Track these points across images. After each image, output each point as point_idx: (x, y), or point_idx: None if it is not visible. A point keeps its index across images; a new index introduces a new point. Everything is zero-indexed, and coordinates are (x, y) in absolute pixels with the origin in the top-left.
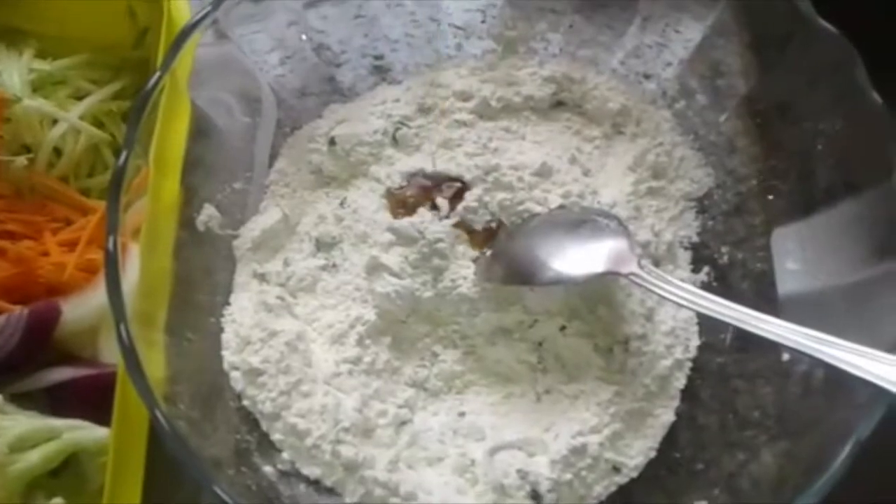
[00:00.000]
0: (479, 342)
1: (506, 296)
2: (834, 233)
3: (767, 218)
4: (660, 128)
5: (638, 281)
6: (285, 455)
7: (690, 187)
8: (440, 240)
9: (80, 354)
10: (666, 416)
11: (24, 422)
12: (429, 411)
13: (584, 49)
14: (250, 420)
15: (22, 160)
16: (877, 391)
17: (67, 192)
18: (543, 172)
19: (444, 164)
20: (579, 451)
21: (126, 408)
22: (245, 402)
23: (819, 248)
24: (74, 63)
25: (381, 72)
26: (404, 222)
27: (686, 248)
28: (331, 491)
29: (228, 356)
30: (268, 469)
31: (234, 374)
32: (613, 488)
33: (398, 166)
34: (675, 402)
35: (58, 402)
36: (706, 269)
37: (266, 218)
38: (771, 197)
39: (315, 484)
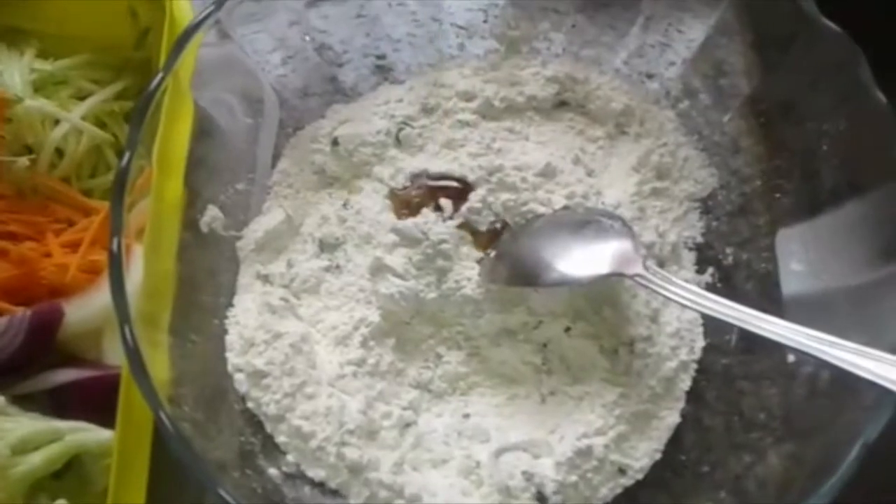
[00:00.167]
0: (484, 343)
1: (510, 297)
2: (839, 233)
3: (772, 218)
4: (663, 128)
5: (643, 282)
6: (290, 457)
7: (694, 188)
8: (444, 241)
9: (84, 356)
10: (671, 417)
11: (27, 424)
12: (433, 413)
13: (587, 49)
14: (254, 422)
15: (24, 161)
16: (883, 393)
17: (70, 193)
18: (547, 173)
19: (448, 164)
20: (585, 452)
21: (130, 410)
22: (249, 404)
23: (824, 248)
24: (76, 63)
25: (384, 71)
26: (408, 223)
27: (690, 249)
28: (335, 493)
29: (232, 358)
30: (272, 471)
31: (238, 376)
32: (619, 490)
33: (401, 167)
34: (681, 404)
35: (61, 403)
36: (710, 269)
37: (269, 219)
38: (775, 197)
39: (320, 486)
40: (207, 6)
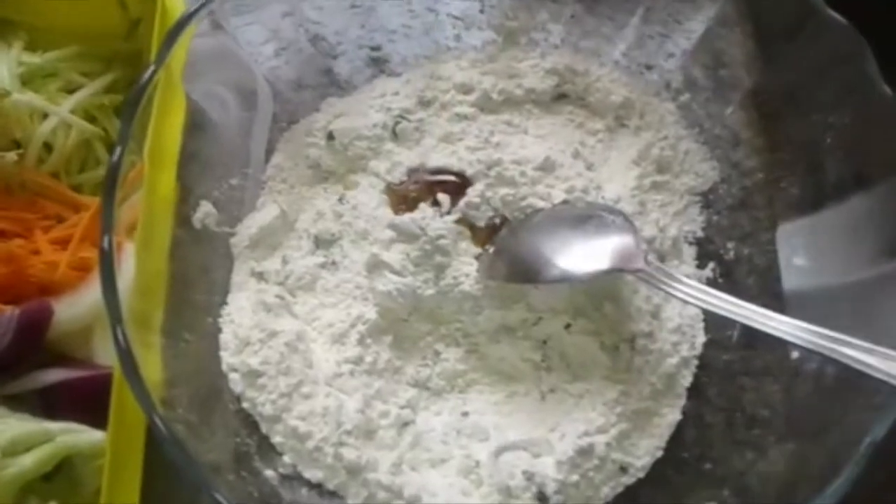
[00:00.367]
0: (482, 340)
1: (509, 293)
2: (843, 228)
3: (774, 213)
4: (664, 121)
5: (645, 278)
6: (286, 458)
7: (695, 181)
8: (442, 236)
9: (74, 355)
10: (672, 415)
11: (16, 425)
12: (431, 411)
13: (585, 40)
14: (250, 423)
15: (12, 156)
16: (891, 391)
17: (59, 189)
18: (546, 167)
19: (446, 158)
20: (586, 451)
21: (122, 411)
22: (244, 405)
23: (827, 243)
24: (65, 55)
25: (379, 63)
26: (405, 219)
27: (691, 244)
28: (333, 494)
29: (227, 357)
30: (269, 473)
31: (233, 376)
32: (620, 489)
33: (398, 161)
34: (682, 401)
35: (50, 404)
36: (711, 264)
37: (263, 215)
38: (778, 191)
39: (317, 487)
40: None
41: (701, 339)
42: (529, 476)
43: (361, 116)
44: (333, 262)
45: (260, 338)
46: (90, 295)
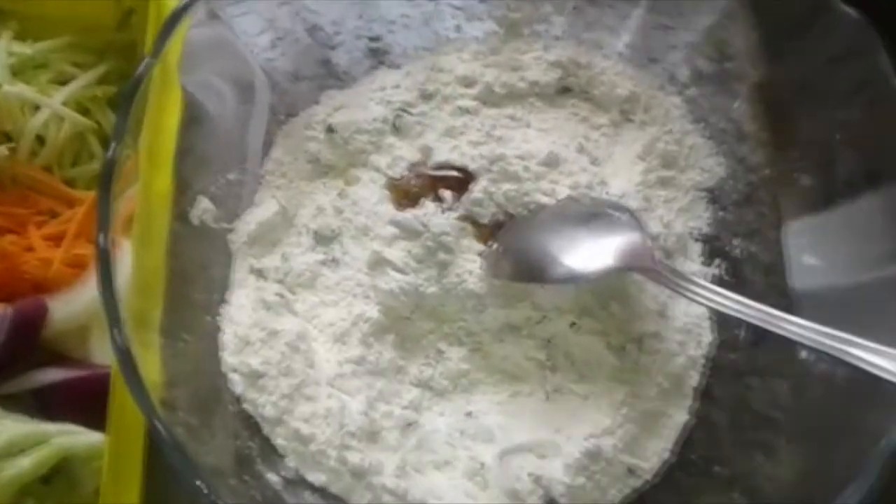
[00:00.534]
0: (486, 339)
1: (514, 291)
2: (854, 227)
3: (782, 210)
4: (669, 115)
5: (654, 277)
6: (289, 462)
7: (701, 177)
8: (445, 233)
9: (70, 354)
10: (680, 415)
11: (12, 426)
12: (435, 411)
13: (588, 32)
14: (251, 425)
15: (3, 149)
16: None
17: (52, 183)
18: (551, 162)
19: (448, 153)
20: (593, 453)
21: (122, 413)
22: (245, 406)
23: (838, 242)
24: (57, 46)
25: (379, 55)
26: (408, 215)
27: (697, 240)
28: (337, 498)
29: (227, 357)
30: (271, 477)
31: (234, 377)
32: (628, 491)
33: (400, 155)
34: (689, 401)
35: (46, 404)
36: (717, 261)
37: (262, 210)
38: (786, 188)
39: (321, 491)
40: None
41: (708, 338)
42: (536, 479)
43: (362, 109)
44: (334, 259)
45: (260, 337)
46: (86, 292)
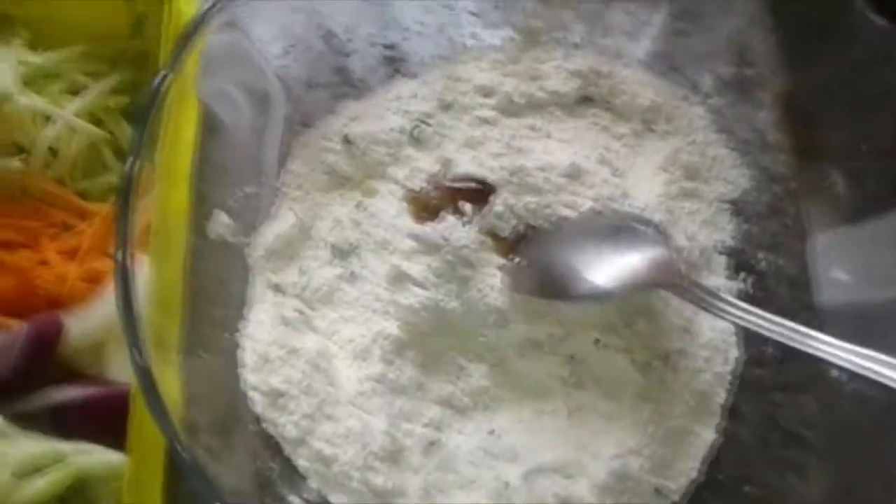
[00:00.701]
0: (508, 355)
1: (536, 307)
2: (883, 240)
3: (808, 222)
4: (692, 125)
5: (680, 293)
6: (311, 483)
7: (725, 188)
8: (466, 247)
9: (86, 371)
10: (707, 434)
11: (28, 445)
12: (456, 429)
13: (608, 39)
14: (271, 444)
15: (15, 162)
16: None
17: (64, 195)
18: (572, 173)
19: (467, 164)
20: (620, 473)
21: (142, 433)
22: (265, 426)
23: (867, 256)
24: (68, 55)
25: (394, 63)
26: (427, 229)
27: (721, 254)
28: None
29: (247, 375)
30: (294, 499)
31: (254, 395)
32: None
33: (418, 167)
34: (717, 419)
35: (62, 422)
36: (743, 275)
37: (279, 224)
38: (812, 199)
39: None
40: None
41: (734, 353)
42: (563, 501)
43: (379, 120)
44: (352, 274)
45: (280, 355)
46: (102, 308)
